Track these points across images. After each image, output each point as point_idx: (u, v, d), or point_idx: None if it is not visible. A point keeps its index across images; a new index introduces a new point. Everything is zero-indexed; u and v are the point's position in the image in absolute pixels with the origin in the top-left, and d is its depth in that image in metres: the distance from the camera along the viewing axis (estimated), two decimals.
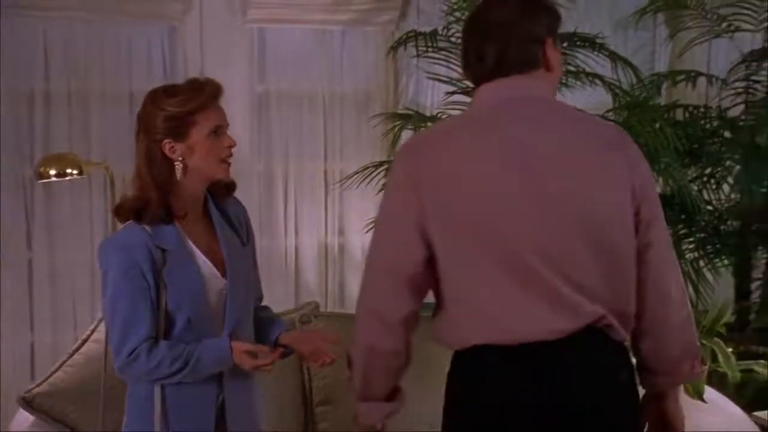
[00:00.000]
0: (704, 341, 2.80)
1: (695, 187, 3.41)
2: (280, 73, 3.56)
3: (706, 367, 1.76)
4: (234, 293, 1.84)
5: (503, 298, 1.57)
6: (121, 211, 1.82)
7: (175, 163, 1.78)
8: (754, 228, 3.38)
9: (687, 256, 3.44)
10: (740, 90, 3.41)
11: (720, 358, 2.74)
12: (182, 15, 3.35)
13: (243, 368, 1.80)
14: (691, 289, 3.40)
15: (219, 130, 1.80)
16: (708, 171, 3.44)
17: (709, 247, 3.44)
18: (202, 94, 1.78)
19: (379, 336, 1.67)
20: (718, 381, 2.94)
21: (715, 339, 2.81)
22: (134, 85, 3.31)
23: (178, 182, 1.79)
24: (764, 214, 2.43)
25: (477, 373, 1.62)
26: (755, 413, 2.34)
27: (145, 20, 3.33)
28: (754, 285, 3.54)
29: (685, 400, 2.50)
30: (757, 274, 3.55)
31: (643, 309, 1.65)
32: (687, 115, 3.47)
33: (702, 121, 3.46)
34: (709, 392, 2.58)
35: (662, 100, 3.56)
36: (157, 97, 1.80)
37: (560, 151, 1.59)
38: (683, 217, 3.39)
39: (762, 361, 3.01)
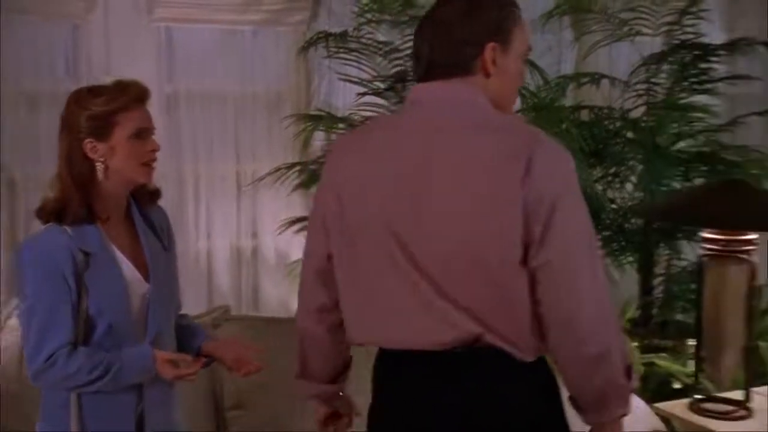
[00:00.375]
0: None
1: (600, 187, 3.50)
2: (190, 73, 3.51)
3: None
4: (157, 298, 1.82)
5: (380, 304, 1.59)
6: (42, 213, 1.79)
7: (96, 164, 1.76)
8: (656, 226, 3.49)
9: None
10: (641, 92, 3.52)
11: None
12: (85, 13, 3.26)
13: (165, 378, 1.77)
14: None
15: (142, 133, 1.80)
16: (612, 171, 3.53)
17: (614, 244, 3.54)
18: (127, 95, 1.78)
19: (304, 320, 1.75)
20: None
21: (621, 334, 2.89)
22: (37, 85, 3.21)
23: (99, 183, 1.77)
24: (665, 212, 2.51)
25: (376, 373, 1.67)
26: (656, 405, 2.42)
27: (46, 19, 3.23)
28: (656, 281, 3.66)
29: None
30: (659, 270, 3.67)
31: (549, 339, 1.53)
32: (592, 116, 3.57)
33: (606, 122, 3.56)
34: None
35: (568, 102, 3.65)
36: (80, 96, 1.78)
37: (454, 163, 1.52)
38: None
39: (663, 354, 3.11)
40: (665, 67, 3.48)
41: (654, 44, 3.54)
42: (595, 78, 3.53)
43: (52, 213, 1.77)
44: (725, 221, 2.25)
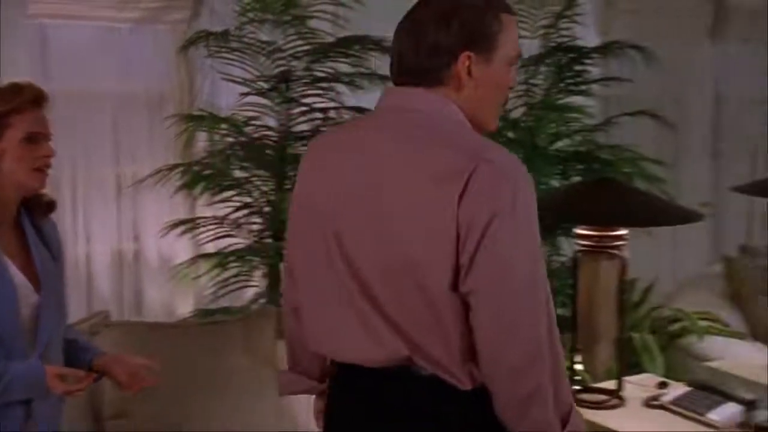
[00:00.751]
0: None
1: None
2: (66, 71, 3.38)
3: None
4: (47, 308, 1.77)
5: (326, 313, 1.55)
6: None
7: None
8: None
9: None
10: (521, 93, 3.61)
11: None
12: None
13: (54, 392, 1.72)
14: None
15: (35, 137, 1.75)
16: None
17: None
18: (20, 97, 1.73)
19: (287, 318, 1.73)
20: None
21: None
22: None
23: None
24: (542, 209, 2.58)
25: (329, 382, 1.66)
26: None
27: None
28: None
29: None
30: None
31: (482, 371, 1.43)
32: None
33: None
34: None
35: None
36: None
37: (400, 177, 1.43)
38: None
39: None
40: (543, 68, 3.59)
41: (532, 46, 3.65)
42: None
43: None
44: (598, 218, 2.33)
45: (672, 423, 2.31)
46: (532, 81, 3.60)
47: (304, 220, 1.58)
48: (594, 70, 3.74)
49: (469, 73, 1.47)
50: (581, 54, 3.54)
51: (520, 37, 3.63)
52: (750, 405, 2.32)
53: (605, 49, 3.59)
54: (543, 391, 1.42)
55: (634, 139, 4.27)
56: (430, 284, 1.41)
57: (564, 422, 1.46)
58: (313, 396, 1.77)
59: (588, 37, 4.06)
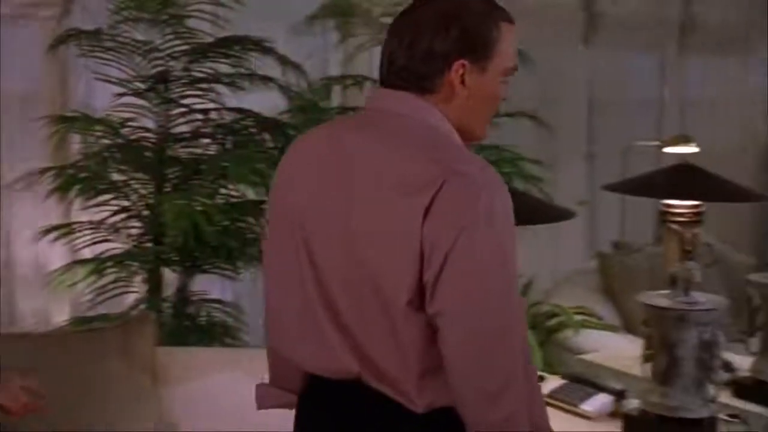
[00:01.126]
0: None
1: None
2: None
3: None
4: None
5: (290, 320, 1.50)
6: None
7: None
8: None
9: None
10: None
11: None
12: None
13: None
14: None
15: None
16: None
17: None
18: None
19: (267, 323, 1.63)
20: None
21: None
22: None
23: None
24: None
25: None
26: None
27: None
28: None
29: None
30: None
31: (453, 395, 1.37)
32: None
33: None
34: None
35: (334, 103, 3.72)
36: None
37: (372, 186, 1.37)
38: None
39: None
40: None
41: None
42: (359, 80, 3.62)
43: None
44: None
45: (549, 415, 2.37)
46: None
47: (278, 224, 1.52)
48: None
49: (462, 81, 1.41)
50: None
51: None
52: (620, 395, 2.42)
53: None
54: (518, 416, 1.35)
55: (513, 140, 4.39)
56: (391, 300, 1.35)
57: None
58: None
59: None
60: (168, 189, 3.20)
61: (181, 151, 3.28)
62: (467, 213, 1.30)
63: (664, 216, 2.67)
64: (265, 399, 1.66)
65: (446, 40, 1.39)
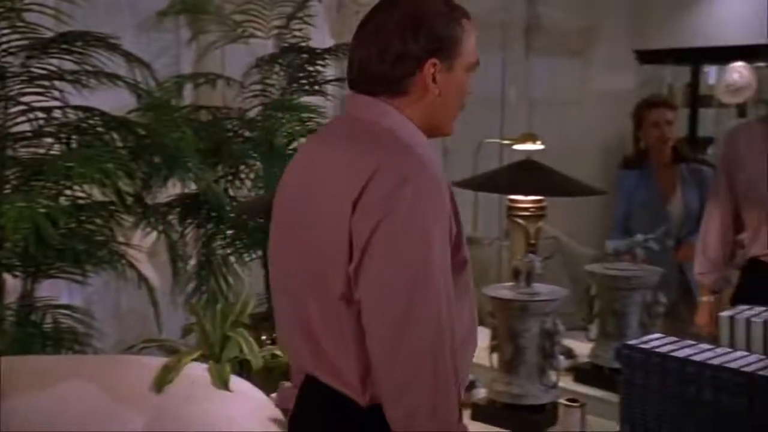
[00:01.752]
0: (230, 333, 2.94)
1: (222, 186, 3.55)
2: None
3: None
4: None
5: (278, 320, 1.63)
6: None
7: None
8: None
9: (219, 252, 3.60)
10: (257, 92, 3.63)
11: (244, 347, 2.89)
12: None
13: None
14: (223, 284, 3.56)
15: None
16: (233, 170, 3.61)
17: (238, 242, 3.61)
18: None
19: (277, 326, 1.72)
20: (249, 369, 3.10)
21: (240, 330, 2.96)
22: None
23: None
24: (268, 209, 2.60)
25: None
26: (273, 395, 2.51)
27: None
28: None
29: (212, 391, 2.60)
30: None
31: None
32: (210, 116, 3.61)
33: (225, 122, 3.62)
34: (236, 381, 2.70)
35: (186, 102, 3.65)
36: None
37: (328, 183, 1.45)
38: (213, 215, 3.52)
39: None
40: (278, 68, 3.62)
41: (267, 46, 3.68)
42: (211, 78, 3.57)
43: None
44: None
45: None
46: (267, 81, 3.63)
47: (272, 229, 1.63)
48: (329, 71, 3.83)
49: (434, 80, 1.47)
50: (313, 55, 3.62)
51: (255, 36, 3.71)
52: (470, 385, 2.49)
53: (336, 51, 3.69)
54: (421, 412, 1.35)
55: None
56: (332, 294, 1.41)
57: None
58: None
59: (323, 39, 4.16)
60: (8, 189, 3.05)
61: (23, 151, 3.13)
62: (388, 201, 1.34)
63: (510, 211, 2.78)
64: (283, 399, 1.87)
65: (417, 42, 1.45)
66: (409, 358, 1.35)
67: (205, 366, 2.70)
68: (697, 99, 5.52)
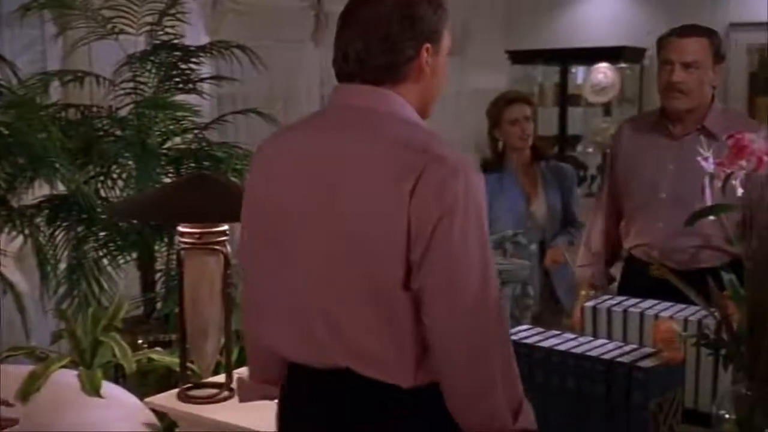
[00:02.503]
0: (102, 338, 2.86)
1: (93, 186, 3.45)
2: None
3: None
4: None
5: (275, 316, 1.60)
6: None
7: None
8: (153, 223, 3.54)
9: (90, 255, 3.48)
10: (129, 90, 3.54)
11: (117, 352, 2.82)
12: None
13: None
14: (96, 288, 3.45)
15: None
16: (104, 170, 3.50)
17: (111, 245, 3.51)
18: None
19: (246, 316, 1.72)
20: (123, 374, 3.03)
21: (112, 334, 2.89)
22: None
23: None
24: (138, 210, 2.55)
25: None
26: (147, 399, 2.46)
27: None
28: (158, 275, 3.72)
29: (83, 398, 2.53)
30: (160, 265, 3.74)
31: (434, 368, 1.47)
32: (79, 114, 3.49)
33: (95, 121, 3.51)
34: (108, 387, 2.63)
35: (53, 99, 3.52)
36: None
37: (356, 177, 1.46)
38: (84, 217, 3.41)
39: (158, 348, 3.17)
40: (150, 66, 3.54)
41: (139, 43, 3.59)
42: (79, 76, 3.45)
43: None
44: (198, 215, 2.35)
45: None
46: (139, 78, 3.54)
47: (255, 222, 1.61)
48: (204, 69, 3.78)
49: (427, 63, 1.53)
50: (186, 52, 3.56)
51: (125, 33, 3.62)
52: None
53: (211, 49, 3.64)
54: (494, 383, 1.45)
55: (248, 137, 4.40)
56: (383, 282, 1.44)
57: (515, 416, 1.48)
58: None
59: (198, 36, 4.10)
60: None
61: None
62: (448, 196, 1.41)
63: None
64: (245, 392, 1.78)
65: (414, 29, 1.51)
66: (482, 335, 1.45)
67: (75, 372, 2.63)
68: (566, 98, 5.75)
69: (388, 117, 1.52)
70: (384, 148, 1.47)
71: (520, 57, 5.83)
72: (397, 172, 1.43)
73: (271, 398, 1.75)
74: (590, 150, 5.85)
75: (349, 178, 1.48)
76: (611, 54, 5.58)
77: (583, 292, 3.02)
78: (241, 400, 1.80)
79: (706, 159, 1.58)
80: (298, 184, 1.54)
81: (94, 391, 2.52)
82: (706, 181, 1.59)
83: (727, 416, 1.54)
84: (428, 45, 1.54)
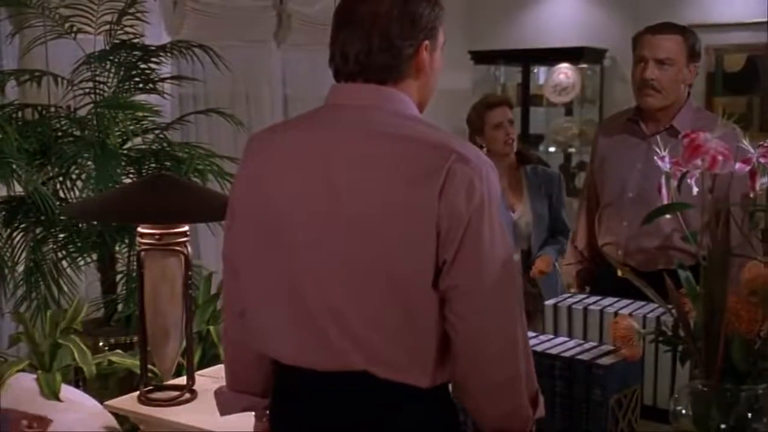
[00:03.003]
0: (61, 341, 2.82)
1: (52, 187, 3.40)
2: None
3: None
4: None
5: (269, 313, 1.55)
6: None
7: None
8: (113, 224, 3.50)
9: (50, 257, 3.43)
10: (88, 90, 3.49)
11: (77, 355, 2.79)
12: None
13: None
14: (55, 290, 3.40)
15: None
16: (63, 170, 3.46)
17: (71, 246, 3.47)
18: None
19: (228, 324, 1.69)
20: (83, 378, 2.99)
21: (71, 337, 2.85)
22: None
23: None
24: (97, 211, 2.52)
25: (274, 385, 1.64)
26: (107, 402, 2.43)
27: None
28: (119, 277, 3.68)
29: (41, 402, 2.49)
30: (121, 267, 3.70)
31: (455, 364, 1.47)
32: (37, 114, 3.44)
33: (53, 121, 3.47)
34: (67, 390, 2.60)
35: (9, 99, 3.46)
36: None
37: (370, 176, 1.43)
38: (43, 218, 3.36)
39: (119, 350, 3.14)
40: (109, 65, 3.50)
41: (98, 42, 3.54)
42: (36, 75, 3.40)
43: None
44: (158, 216, 2.33)
45: None
46: (98, 78, 3.50)
47: (249, 221, 1.56)
48: (165, 69, 3.74)
49: (425, 61, 1.54)
50: (146, 52, 3.52)
51: (83, 32, 3.57)
52: None
53: (171, 48, 3.60)
54: (520, 377, 1.48)
55: (210, 137, 4.38)
56: (406, 283, 1.42)
57: (534, 405, 1.52)
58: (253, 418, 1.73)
59: (159, 35, 4.06)
60: None
61: None
62: (475, 195, 1.42)
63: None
64: (227, 405, 1.73)
65: (414, 28, 1.51)
66: (511, 330, 1.47)
67: (33, 376, 2.59)
68: (528, 98, 5.78)
69: (395, 115, 1.51)
70: (399, 146, 1.45)
71: (482, 57, 5.86)
72: (419, 171, 1.42)
73: (256, 410, 1.71)
74: (552, 149, 5.90)
75: (362, 178, 1.45)
76: (572, 54, 5.63)
77: (572, 290, 3.00)
78: (222, 413, 1.74)
79: (662, 158, 1.60)
80: (304, 185, 1.49)
81: (53, 395, 2.48)
82: (663, 180, 1.61)
83: (684, 412, 1.56)
84: (427, 42, 1.54)
